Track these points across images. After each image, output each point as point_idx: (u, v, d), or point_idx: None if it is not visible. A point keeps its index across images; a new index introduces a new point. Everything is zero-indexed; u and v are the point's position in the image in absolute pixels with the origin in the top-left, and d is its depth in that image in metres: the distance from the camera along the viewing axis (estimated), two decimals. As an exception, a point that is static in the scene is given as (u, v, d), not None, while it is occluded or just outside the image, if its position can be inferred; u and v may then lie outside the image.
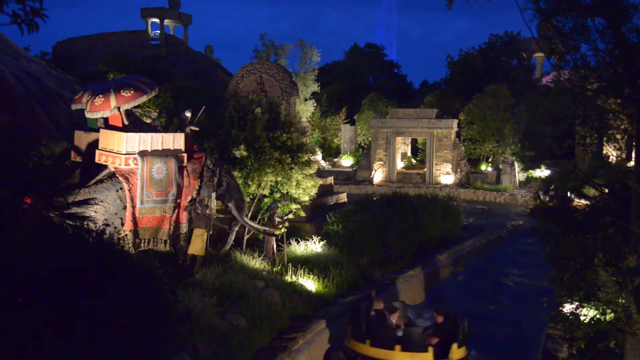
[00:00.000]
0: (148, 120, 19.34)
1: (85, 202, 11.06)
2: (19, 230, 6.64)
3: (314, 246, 16.94)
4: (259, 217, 17.51)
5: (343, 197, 23.67)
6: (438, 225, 20.33)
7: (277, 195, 17.63)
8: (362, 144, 48.70)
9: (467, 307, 16.43)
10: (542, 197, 31.65)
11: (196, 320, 10.65)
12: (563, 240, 10.39)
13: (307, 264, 15.46)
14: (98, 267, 7.31)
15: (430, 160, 41.17)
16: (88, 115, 13.21)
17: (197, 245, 13.63)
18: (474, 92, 43.75)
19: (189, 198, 13.52)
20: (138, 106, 19.20)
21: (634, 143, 9.67)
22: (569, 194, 29.72)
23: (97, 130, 13.35)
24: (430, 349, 10.18)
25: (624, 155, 10.17)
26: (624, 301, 8.76)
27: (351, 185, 39.21)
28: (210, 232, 14.44)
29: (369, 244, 16.81)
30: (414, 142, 47.42)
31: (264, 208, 17.67)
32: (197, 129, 15.65)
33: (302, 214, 18.70)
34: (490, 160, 42.44)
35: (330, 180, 23.64)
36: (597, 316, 9.33)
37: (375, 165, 42.55)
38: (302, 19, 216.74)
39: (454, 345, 10.15)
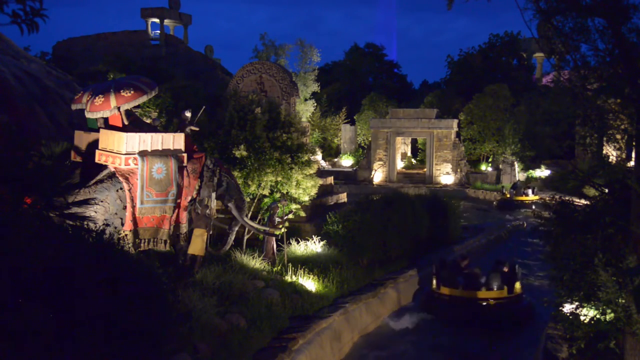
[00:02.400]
0: (148, 120, 19.33)
1: (85, 202, 11.05)
2: (19, 230, 6.64)
3: (314, 246, 16.94)
4: (259, 217, 17.51)
5: (343, 197, 23.67)
6: (438, 225, 20.33)
7: (277, 195, 17.63)
8: (362, 144, 48.72)
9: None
10: (506, 193, 34.53)
11: (196, 320, 10.65)
12: (563, 240, 10.39)
13: (307, 264, 15.46)
14: (98, 267, 7.30)
15: (430, 160, 41.19)
16: (88, 115, 13.20)
17: (197, 245, 13.62)
18: (474, 92, 43.81)
19: (189, 198, 13.52)
20: (138, 106, 19.18)
21: (634, 143, 9.66)
22: (524, 188, 33.28)
23: (97, 130, 13.35)
24: (506, 287, 14.52)
25: (624, 155, 10.16)
26: (624, 301, 8.76)
27: (351, 185, 39.24)
28: (210, 232, 14.44)
29: (369, 244, 16.80)
30: (414, 142, 47.46)
31: (264, 208, 17.67)
32: (197, 129, 15.65)
33: (302, 214, 18.70)
34: (490, 160, 42.47)
35: (330, 180, 23.64)
36: (597, 316, 9.32)
37: (375, 165, 42.57)
38: (302, 19, 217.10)
39: (517, 283, 14.70)
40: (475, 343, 13.77)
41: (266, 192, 17.47)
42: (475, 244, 22.27)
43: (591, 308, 9.45)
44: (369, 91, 53.39)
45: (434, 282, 15.04)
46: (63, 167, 12.55)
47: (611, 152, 10.38)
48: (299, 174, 17.75)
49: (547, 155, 40.89)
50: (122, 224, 12.38)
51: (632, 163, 9.78)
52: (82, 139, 13.73)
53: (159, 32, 56.30)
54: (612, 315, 8.98)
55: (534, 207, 32.33)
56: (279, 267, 15.21)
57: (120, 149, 12.51)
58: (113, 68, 38.76)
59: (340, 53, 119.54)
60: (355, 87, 58.86)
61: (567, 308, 10.14)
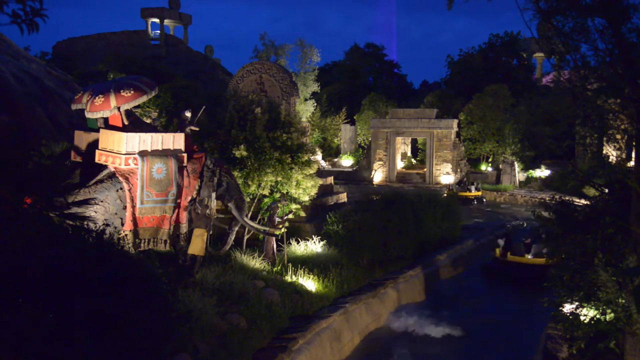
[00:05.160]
0: (148, 120, 19.33)
1: (85, 202, 11.04)
2: (18, 230, 6.63)
3: (314, 246, 16.94)
4: (259, 217, 17.50)
5: (343, 197, 23.67)
6: (438, 225, 20.33)
7: (277, 195, 17.62)
8: (362, 144, 48.73)
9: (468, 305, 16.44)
10: (453, 189, 36.13)
11: (196, 320, 10.65)
12: (563, 240, 10.39)
13: (307, 264, 15.45)
14: (98, 268, 7.30)
15: (430, 160, 41.19)
16: (88, 115, 13.19)
17: (197, 245, 13.62)
18: (474, 92, 43.77)
19: (189, 198, 13.51)
20: (138, 106, 19.19)
21: (634, 143, 9.67)
22: (468, 183, 36.06)
23: (97, 130, 13.34)
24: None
25: (624, 155, 10.17)
26: (624, 301, 8.77)
27: (351, 185, 39.20)
28: (210, 232, 14.43)
29: (369, 244, 16.80)
30: (414, 142, 47.44)
31: (264, 208, 17.67)
32: (197, 129, 15.64)
33: (302, 214, 18.70)
34: (490, 160, 42.45)
35: (330, 180, 23.63)
36: (597, 316, 9.33)
37: (375, 165, 42.58)
38: (302, 19, 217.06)
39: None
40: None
41: (266, 192, 17.47)
42: (476, 243, 22.28)
43: (591, 308, 9.45)
44: (369, 91, 53.37)
45: (498, 251, 19.71)
46: (63, 167, 12.55)
47: (611, 152, 10.39)
48: (299, 174, 17.74)
49: (547, 155, 40.86)
50: (122, 224, 12.37)
51: (632, 163, 9.79)
52: (82, 139, 13.72)
53: (159, 32, 56.30)
54: (612, 315, 8.98)
55: (475, 201, 35.53)
56: (279, 267, 15.21)
57: (120, 149, 12.50)
58: (113, 68, 38.77)
59: (340, 53, 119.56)
60: (355, 87, 58.82)
61: (567, 308, 10.14)
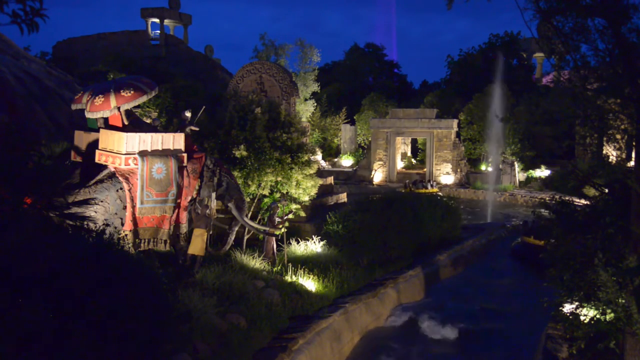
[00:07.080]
0: (148, 120, 19.33)
1: (85, 202, 11.06)
2: (19, 230, 6.64)
3: (314, 246, 16.94)
4: (259, 217, 17.50)
5: (343, 197, 23.67)
6: (438, 225, 20.31)
7: (277, 195, 17.62)
8: (362, 144, 48.74)
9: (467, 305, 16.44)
10: (410, 187, 37.13)
11: (196, 320, 10.65)
12: (563, 240, 10.39)
13: (307, 264, 15.45)
14: (98, 268, 7.30)
15: (430, 160, 41.20)
16: (88, 115, 13.19)
17: (197, 245, 13.62)
18: (474, 92, 43.78)
19: (189, 198, 13.51)
20: (138, 106, 19.19)
21: (634, 143, 9.66)
22: (424, 182, 37.34)
23: (97, 130, 13.33)
24: None
25: (624, 155, 10.16)
26: (624, 301, 8.76)
27: (351, 185, 39.24)
28: (210, 232, 14.43)
29: (369, 244, 16.80)
30: (414, 142, 47.45)
31: (264, 208, 17.67)
32: (197, 129, 15.64)
33: (302, 214, 18.69)
34: (490, 160, 42.43)
35: (330, 180, 23.63)
36: (597, 316, 9.33)
37: (375, 165, 42.58)
38: (303, 19, 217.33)
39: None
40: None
41: (266, 192, 17.47)
42: (476, 243, 22.26)
43: (591, 308, 9.45)
44: (369, 91, 53.40)
45: (524, 236, 21.46)
46: (63, 167, 12.56)
47: (611, 152, 10.38)
48: (299, 174, 17.74)
49: (547, 155, 40.85)
50: (122, 224, 12.37)
51: (632, 163, 9.78)
52: (82, 139, 13.72)
53: (159, 32, 56.32)
54: (612, 315, 8.98)
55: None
56: (279, 267, 15.20)
57: (120, 149, 12.50)
58: (113, 68, 38.80)
59: (340, 53, 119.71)
60: (355, 87, 58.86)
61: (567, 308, 10.15)
